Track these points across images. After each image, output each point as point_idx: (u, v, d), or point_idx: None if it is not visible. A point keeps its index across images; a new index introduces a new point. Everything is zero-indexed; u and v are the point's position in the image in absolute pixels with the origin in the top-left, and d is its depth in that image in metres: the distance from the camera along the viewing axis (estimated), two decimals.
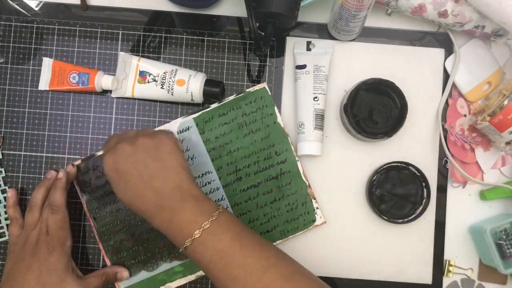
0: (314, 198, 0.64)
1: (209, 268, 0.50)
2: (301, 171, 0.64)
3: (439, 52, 0.67)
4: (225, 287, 0.50)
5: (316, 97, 0.63)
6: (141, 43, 0.67)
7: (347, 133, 0.66)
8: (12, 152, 0.66)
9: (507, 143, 0.62)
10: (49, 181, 0.62)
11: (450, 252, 0.66)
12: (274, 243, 0.64)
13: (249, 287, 0.48)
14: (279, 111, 0.65)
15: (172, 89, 0.63)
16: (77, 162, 0.64)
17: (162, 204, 0.51)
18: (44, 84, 0.66)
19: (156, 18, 0.67)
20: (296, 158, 0.64)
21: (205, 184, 0.64)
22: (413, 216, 0.63)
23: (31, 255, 0.57)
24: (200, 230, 0.50)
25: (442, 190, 0.66)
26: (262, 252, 0.51)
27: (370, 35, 0.67)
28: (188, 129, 0.64)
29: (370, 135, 0.62)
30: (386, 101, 0.62)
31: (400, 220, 0.64)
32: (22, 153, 0.66)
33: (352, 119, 0.62)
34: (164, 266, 0.64)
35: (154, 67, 0.64)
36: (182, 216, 0.51)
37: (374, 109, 0.62)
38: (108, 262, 0.64)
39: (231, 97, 0.65)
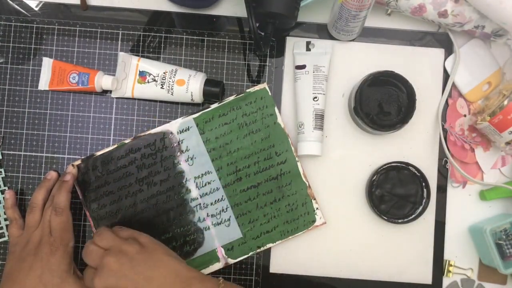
0: (314, 199, 0.64)
1: None
2: (301, 172, 0.64)
3: (439, 52, 0.67)
4: None
5: (315, 97, 0.63)
6: (141, 43, 0.67)
7: (346, 133, 0.66)
8: (12, 152, 0.66)
9: (507, 143, 0.62)
10: (49, 182, 0.62)
11: (450, 252, 0.66)
12: (274, 243, 0.64)
13: None
14: (279, 111, 0.65)
15: (172, 89, 0.63)
16: (77, 162, 0.64)
17: None
18: (44, 84, 0.66)
19: (156, 18, 0.67)
20: (296, 159, 0.64)
21: (205, 184, 0.64)
22: (413, 216, 0.64)
23: (33, 255, 0.57)
24: None
25: (442, 190, 0.66)
26: None
27: (370, 35, 0.67)
28: (188, 129, 0.64)
29: (389, 128, 0.62)
30: (391, 90, 0.62)
31: (400, 220, 0.64)
32: (22, 153, 0.66)
33: (366, 119, 0.61)
34: None
35: (154, 67, 0.64)
36: None
37: (383, 101, 0.62)
38: None
39: (231, 98, 0.65)
